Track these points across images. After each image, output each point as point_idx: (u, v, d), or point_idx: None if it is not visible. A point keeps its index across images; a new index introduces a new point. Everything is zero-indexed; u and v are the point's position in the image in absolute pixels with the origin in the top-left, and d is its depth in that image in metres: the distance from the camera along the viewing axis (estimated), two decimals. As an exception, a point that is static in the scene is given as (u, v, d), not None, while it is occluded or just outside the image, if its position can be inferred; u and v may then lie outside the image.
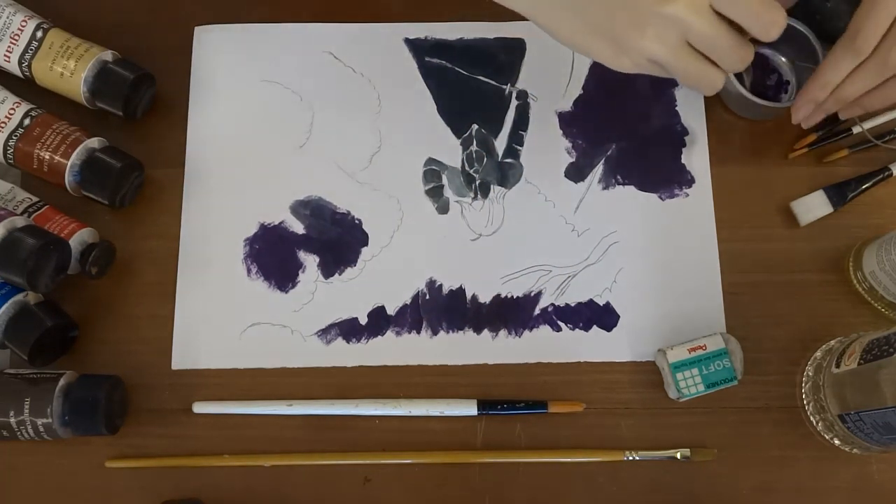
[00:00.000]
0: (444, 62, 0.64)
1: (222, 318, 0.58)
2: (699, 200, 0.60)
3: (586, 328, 0.58)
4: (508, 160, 0.62)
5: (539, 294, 0.59)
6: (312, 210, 0.61)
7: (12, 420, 0.52)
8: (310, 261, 0.59)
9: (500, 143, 0.62)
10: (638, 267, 0.59)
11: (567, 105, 0.63)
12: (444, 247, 0.60)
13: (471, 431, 0.56)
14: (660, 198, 0.61)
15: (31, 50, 0.59)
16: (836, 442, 0.54)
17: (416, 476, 0.55)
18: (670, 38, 0.43)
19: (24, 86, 0.60)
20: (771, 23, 0.43)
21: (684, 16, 0.42)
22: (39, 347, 0.54)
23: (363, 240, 0.60)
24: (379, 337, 0.58)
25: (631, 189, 0.61)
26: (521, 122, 0.62)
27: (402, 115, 0.62)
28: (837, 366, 0.52)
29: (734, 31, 0.43)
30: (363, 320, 0.58)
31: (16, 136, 0.57)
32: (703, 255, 0.59)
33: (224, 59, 0.64)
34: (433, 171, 0.61)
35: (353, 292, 0.59)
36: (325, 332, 0.58)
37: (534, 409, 0.56)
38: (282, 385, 0.57)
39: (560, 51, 0.64)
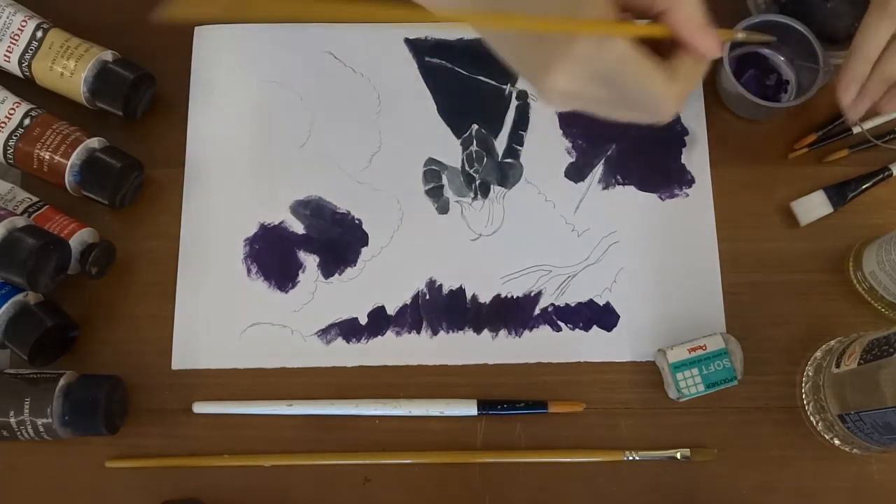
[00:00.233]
0: (444, 62, 0.64)
1: (222, 318, 0.58)
2: (699, 200, 0.60)
3: (586, 328, 0.58)
4: (508, 160, 0.62)
5: (539, 294, 0.59)
6: (312, 210, 0.61)
7: (12, 420, 0.52)
8: (310, 261, 0.59)
9: (500, 143, 0.62)
10: (638, 267, 0.59)
11: (567, 105, 0.63)
12: (444, 247, 0.60)
13: (471, 431, 0.56)
14: (660, 198, 0.61)
15: (31, 50, 0.59)
16: (836, 442, 0.54)
17: (416, 476, 0.55)
18: (582, 75, 0.40)
19: (24, 86, 0.60)
20: (705, 48, 0.40)
21: (590, 52, 0.38)
22: (39, 347, 0.54)
23: (363, 240, 0.60)
24: (379, 337, 0.58)
25: (631, 189, 0.61)
26: (521, 122, 0.62)
27: (402, 115, 0.62)
28: (837, 366, 0.52)
29: (655, 64, 0.40)
30: (363, 320, 0.58)
31: (16, 136, 0.57)
32: (703, 255, 0.59)
33: (224, 59, 0.64)
34: (433, 171, 0.61)
35: (353, 292, 0.59)
36: (325, 332, 0.58)
37: (534, 409, 0.56)
38: (282, 385, 0.57)
39: (560, 51, 0.64)
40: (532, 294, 0.59)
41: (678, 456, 0.55)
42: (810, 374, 0.56)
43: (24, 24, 0.59)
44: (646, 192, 0.61)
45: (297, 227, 0.60)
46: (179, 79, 0.63)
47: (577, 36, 0.38)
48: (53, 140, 0.57)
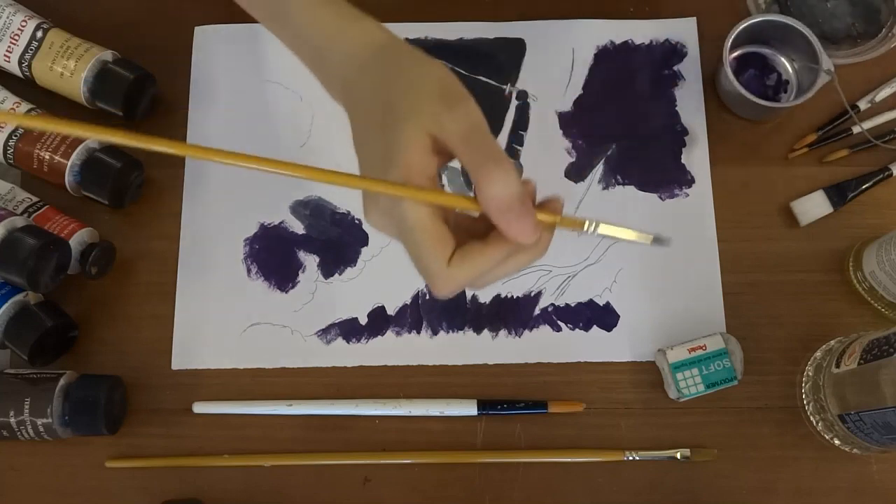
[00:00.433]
0: (444, 62, 0.63)
1: (222, 318, 0.58)
2: (699, 200, 0.60)
3: (586, 328, 0.58)
4: (508, 160, 0.61)
5: (539, 294, 0.59)
6: (312, 210, 0.61)
7: (12, 420, 0.52)
8: (310, 261, 0.59)
9: (500, 143, 0.62)
10: (638, 267, 0.59)
11: (567, 105, 0.63)
12: (444, 247, 0.60)
13: (471, 431, 0.56)
14: (660, 198, 0.61)
15: (31, 50, 0.59)
16: (836, 442, 0.54)
17: (416, 476, 0.55)
18: (385, 225, 0.40)
19: (24, 86, 0.60)
20: (519, 231, 0.38)
21: (388, 207, 0.38)
22: (39, 347, 0.54)
23: (363, 240, 0.60)
24: (379, 337, 0.58)
25: (631, 189, 0.61)
26: (521, 122, 0.62)
27: (402, 115, 0.62)
28: (837, 366, 0.52)
29: (440, 241, 0.38)
30: (363, 320, 0.58)
31: (16, 136, 0.57)
32: (703, 255, 0.59)
33: (224, 59, 0.64)
34: (433, 171, 0.61)
35: (353, 292, 0.59)
36: (326, 332, 0.58)
37: (534, 409, 0.56)
38: (282, 385, 0.57)
39: (560, 51, 0.64)
40: (532, 294, 0.59)
41: (678, 456, 0.55)
42: (810, 374, 0.56)
43: (24, 24, 0.59)
44: (646, 192, 0.61)
45: (297, 227, 0.60)
46: (179, 79, 0.63)
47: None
48: (53, 140, 0.57)
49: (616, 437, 0.56)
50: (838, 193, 0.59)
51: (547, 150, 0.62)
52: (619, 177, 0.61)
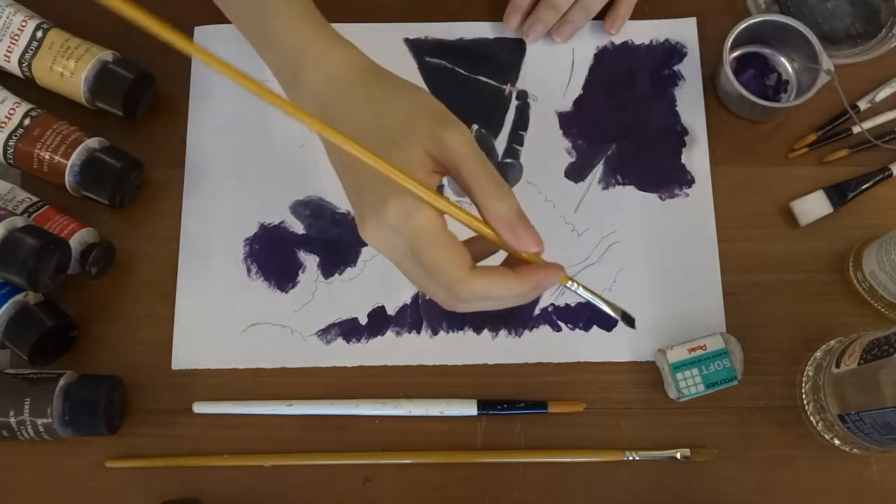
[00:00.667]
0: (444, 62, 0.64)
1: (222, 318, 0.58)
2: (699, 200, 0.60)
3: (586, 328, 0.58)
4: (508, 160, 0.62)
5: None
6: (312, 210, 0.61)
7: (12, 420, 0.52)
8: (310, 261, 0.59)
9: (500, 143, 0.62)
10: (638, 267, 0.59)
11: (567, 105, 0.63)
12: (444, 247, 0.60)
13: (471, 431, 0.56)
14: (660, 198, 0.61)
15: (31, 50, 0.59)
16: (836, 442, 0.54)
17: (416, 476, 0.55)
18: (387, 241, 0.41)
19: (24, 86, 0.60)
20: (518, 240, 0.40)
21: (395, 223, 0.39)
22: (39, 347, 0.54)
23: (363, 240, 0.60)
24: (379, 337, 0.58)
25: (631, 189, 0.61)
26: (521, 122, 0.62)
27: (402, 115, 0.62)
28: (837, 366, 0.52)
29: (456, 253, 0.40)
30: (363, 320, 0.58)
31: (16, 136, 0.57)
32: (703, 254, 0.59)
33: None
34: (433, 171, 0.61)
35: (354, 292, 0.59)
36: (326, 332, 0.58)
37: (533, 409, 0.56)
38: (282, 385, 0.57)
39: (560, 51, 0.64)
40: (532, 294, 0.59)
41: (678, 456, 0.55)
42: (810, 374, 0.55)
43: (24, 24, 0.59)
44: (646, 191, 0.61)
45: (298, 227, 0.60)
46: (179, 79, 0.63)
47: (388, 200, 0.39)
48: (53, 140, 0.57)
49: (616, 437, 0.56)
50: (838, 193, 0.59)
51: (547, 150, 0.62)
52: (619, 177, 0.61)
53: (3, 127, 0.57)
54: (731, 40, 0.59)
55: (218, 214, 0.60)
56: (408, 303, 0.59)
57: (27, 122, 0.58)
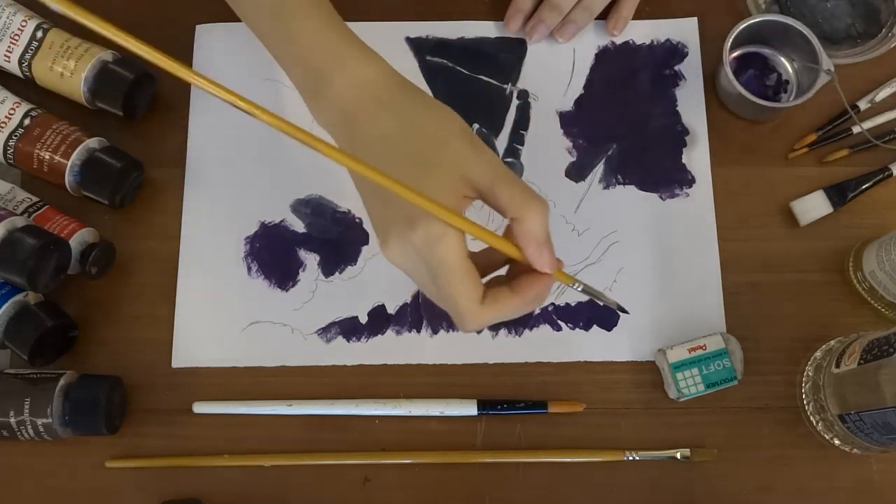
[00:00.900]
0: (445, 61, 0.64)
1: (222, 317, 0.58)
2: (700, 200, 0.60)
3: (586, 328, 0.58)
4: (509, 160, 0.62)
5: (539, 294, 0.59)
6: (313, 209, 0.61)
7: (12, 420, 0.52)
8: (310, 259, 0.59)
9: (501, 143, 0.62)
10: (638, 267, 0.59)
11: (568, 105, 0.63)
12: (444, 246, 0.60)
13: (471, 431, 0.56)
14: (660, 197, 0.61)
15: (31, 50, 0.59)
16: (836, 442, 0.54)
17: (416, 476, 0.55)
18: (412, 259, 0.42)
19: (24, 86, 0.60)
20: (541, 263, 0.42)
21: (423, 244, 0.40)
22: (39, 347, 0.54)
23: (364, 238, 0.60)
24: (379, 336, 0.58)
25: (631, 189, 0.61)
26: (522, 121, 0.62)
27: (403, 114, 0.62)
28: (837, 366, 0.52)
29: (474, 282, 0.41)
30: (363, 319, 0.58)
31: (16, 136, 0.57)
32: (703, 255, 0.59)
33: (225, 58, 0.64)
34: (433, 171, 0.61)
35: (354, 291, 0.59)
36: (326, 331, 0.58)
37: (533, 409, 0.56)
38: (282, 384, 0.57)
39: (561, 51, 0.64)
40: (532, 294, 0.59)
41: (678, 456, 0.55)
42: (810, 374, 0.56)
43: (24, 24, 0.59)
44: (646, 191, 0.61)
45: (298, 226, 0.60)
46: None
47: (416, 223, 0.40)
48: (53, 140, 0.57)
49: (616, 437, 0.56)
50: (838, 193, 0.59)
51: (548, 150, 0.62)
52: (619, 176, 0.61)
53: (3, 127, 0.57)
54: (731, 40, 0.59)
55: (218, 213, 0.60)
56: (408, 302, 0.59)
57: (27, 122, 0.58)
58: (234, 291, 0.59)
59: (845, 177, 0.60)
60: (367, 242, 0.60)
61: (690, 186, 0.61)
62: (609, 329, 0.58)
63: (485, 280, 0.43)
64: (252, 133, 0.62)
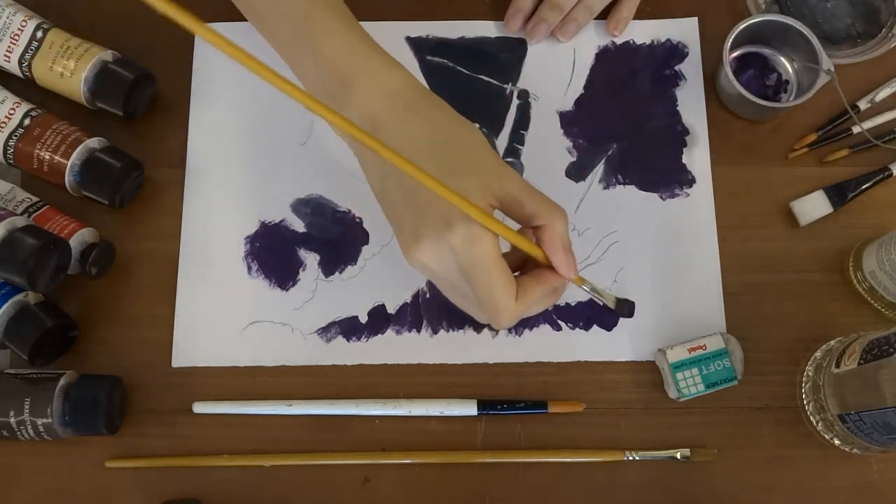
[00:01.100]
0: (445, 61, 0.64)
1: (222, 316, 0.58)
2: (700, 200, 0.60)
3: (586, 328, 0.58)
4: (509, 159, 0.61)
5: (539, 294, 0.59)
6: (313, 208, 0.61)
7: (12, 420, 0.52)
8: (310, 259, 0.59)
9: (501, 143, 0.62)
10: (638, 266, 0.59)
11: (568, 104, 0.63)
12: (444, 246, 0.60)
13: (471, 431, 0.56)
14: (660, 197, 0.61)
15: (31, 50, 0.59)
16: (836, 442, 0.54)
17: (416, 476, 0.55)
18: (444, 262, 0.43)
19: (24, 86, 0.60)
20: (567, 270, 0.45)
21: (461, 246, 0.42)
22: (39, 347, 0.54)
23: (364, 238, 0.60)
24: (379, 335, 0.58)
25: (632, 189, 0.61)
26: (522, 121, 0.62)
27: (403, 114, 0.62)
28: (837, 366, 0.52)
29: (509, 279, 0.43)
30: (363, 319, 0.58)
31: (16, 136, 0.57)
32: (703, 255, 0.59)
33: (225, 58, 0.63)
34: (433, 171, 0.61)
35: (354, 291, 0.59)
36: (326, 331, 0.58)
37: (533, 409, 0.56)
38: (282, 384, 0.57)
39: (561, 50, 0.64)
40: (532, 294, 0.59)
41: (678, 456, 0.55)
42: (810, 374, 0.56)
43: (24, 24, 0.59)
44: (646, 191, 0.61)
45: (298, 226, 0.60)
46: (179, 79, 0.63)
47: (454, 224, 0.41)
48: (53, 140, 0.57)
49: (616, 437, 0.56)
50: (838, 193, 0.59)
51: (548, 150, 0.62)
52: (619, 176, 0.61)
53: (3, 127, 0.57)
54: (731, 40, 0.59)
55: (218, 213, 0.60)
56: (408, 301, 0.59)
57: (27, 122, 0.58)
58: (234, 291, 0.59)
59: (845, 177, 0.60)
60: (367, 242, 0.60)
61: (690, 186, 0.61)
62: (609, 329, 0.58)
63: None
64: (252, 132, 0.62)
